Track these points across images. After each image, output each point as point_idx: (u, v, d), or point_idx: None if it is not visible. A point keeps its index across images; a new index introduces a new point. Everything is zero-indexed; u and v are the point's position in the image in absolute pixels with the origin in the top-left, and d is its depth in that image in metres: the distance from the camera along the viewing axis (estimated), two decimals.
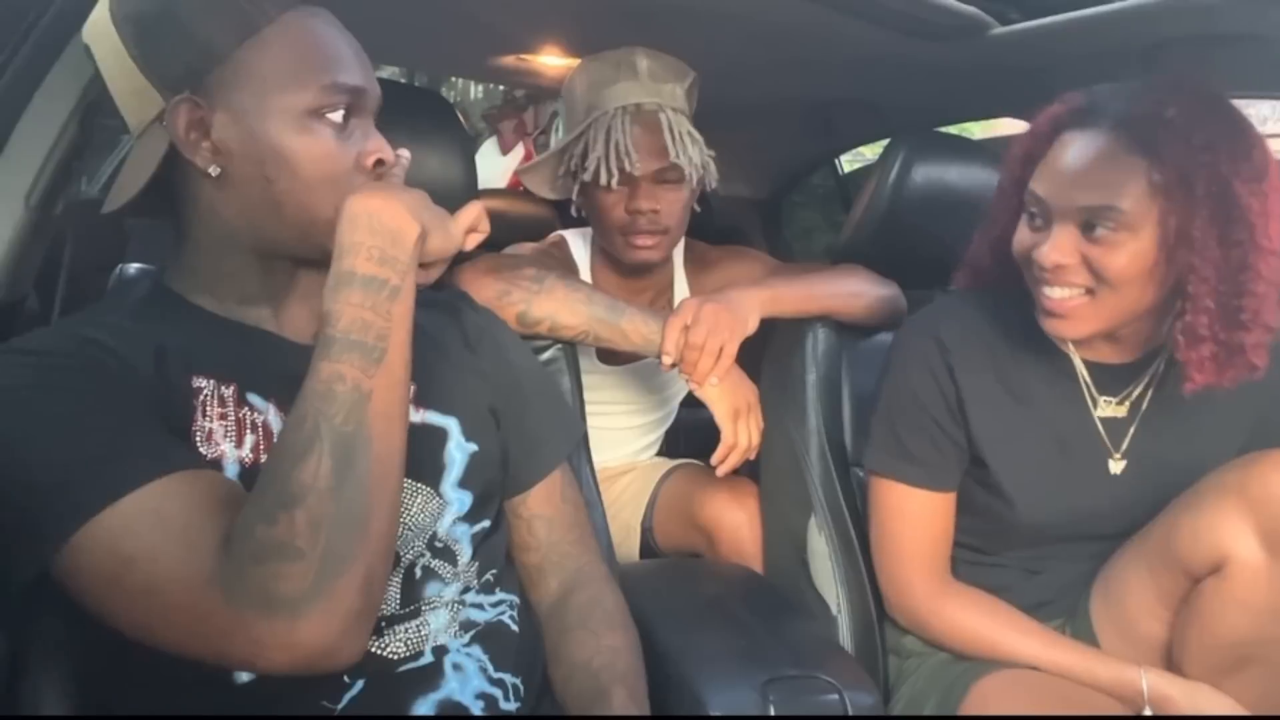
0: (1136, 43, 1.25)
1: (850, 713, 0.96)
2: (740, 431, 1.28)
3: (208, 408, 0.77)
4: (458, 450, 0.88)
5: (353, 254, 0.73)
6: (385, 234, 0.74)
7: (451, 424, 0.88)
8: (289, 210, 0.78)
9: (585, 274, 1.51)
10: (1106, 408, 1.11)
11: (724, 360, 1.24)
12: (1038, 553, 1.18)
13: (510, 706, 0.85)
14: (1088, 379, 1.10)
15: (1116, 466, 1.12)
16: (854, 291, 1.40)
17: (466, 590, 0.88)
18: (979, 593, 1.15)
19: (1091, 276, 0.98)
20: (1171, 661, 1.07)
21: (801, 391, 1.37)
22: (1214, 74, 1.05)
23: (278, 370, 0.80)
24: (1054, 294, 1.01)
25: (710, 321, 1.23)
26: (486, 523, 0.91)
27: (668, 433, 1.74)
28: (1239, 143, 0.94)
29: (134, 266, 1.21)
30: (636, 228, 1.39)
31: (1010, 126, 2.04)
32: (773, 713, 0.94)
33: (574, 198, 1.45)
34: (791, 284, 1.37)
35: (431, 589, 0.85)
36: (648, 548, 1.55)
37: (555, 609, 0.96)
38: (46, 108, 0.81)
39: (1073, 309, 1.00)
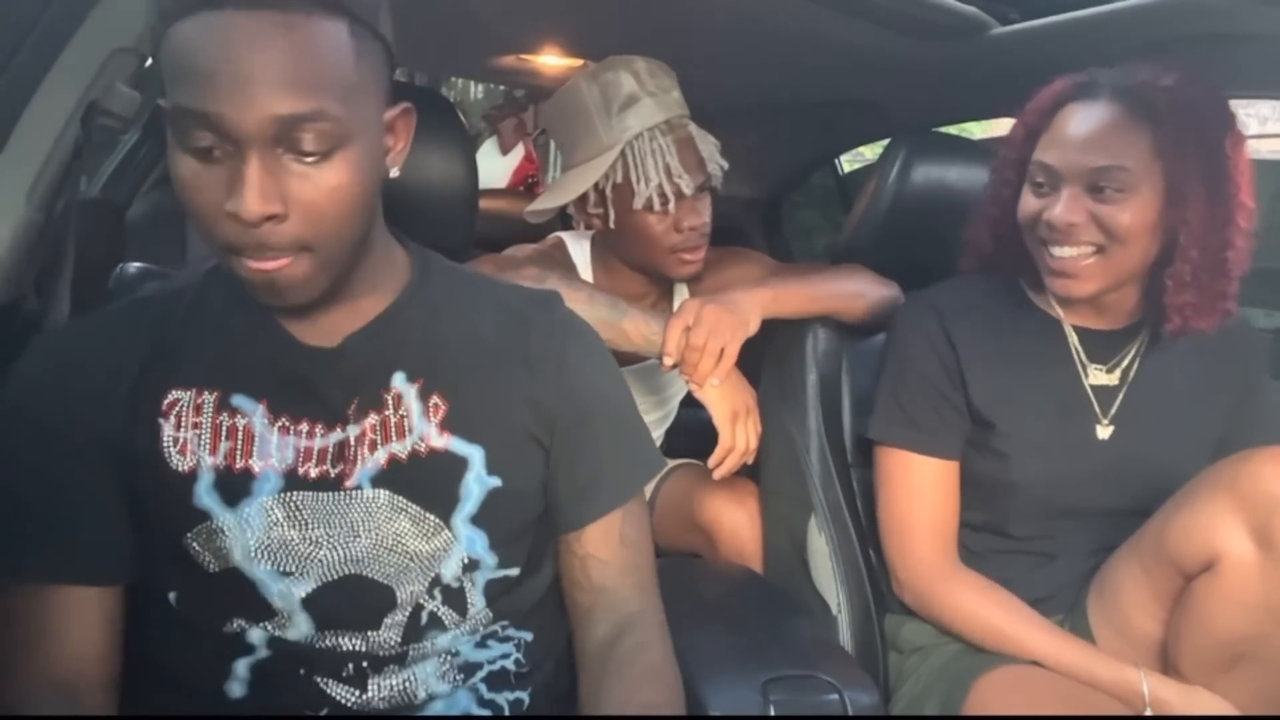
0: (1137, 43, 1.25)
1: (850, 713, 0.96)
2: (738, 434, 1.28)
3: (182, 418, 0.77)
4: (476, 483, 0.81)
5: None
6: None
7: (475, 454, 0.81)
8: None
9: (585, 275, 1.51)
10: (1097, 375, 1.17)
11: (725, 362, 1.24)
12: (1036, 531, 1.19)
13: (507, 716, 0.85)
14: (1078, 346, 1.17)
15: (1104, 432, 1.16)
16: (855, 292, 1.40)
17: (469, 637, 0.83)
18: (986, 580, 1.16)
19: (1101, 233, 1.05)
20: (1167, 659, 1.07)
21: (801, 391, 1.36)
22: (1214, 74, 1.07)
23: (276, 369, 0.78)
24: (1064, 253, 1.07)
25: (711, 323, 1.23)
26: (513, 570, 0.84)
27: (668, 433, 1.74)
28: (1224, 109, 1.05)
29: (134, 266, 1.21)
30: (689, 244, 1.39)
31: (1010, 127, 2.04)
32: (773, 713, 0.94)
33: (584, 217, 1.44)
34: (793, 285, 1.37)
35: (428, 636, 0.81)
36: None
37: (598, 653, 0.88)
38: (46, 108, 0.80)
39: (1083, 268, 1.07)
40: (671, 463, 1.64)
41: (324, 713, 0.78)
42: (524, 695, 0.86)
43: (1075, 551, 1.19)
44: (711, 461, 1.29)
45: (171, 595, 0.79)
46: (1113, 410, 1.17)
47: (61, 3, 0.81)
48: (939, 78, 1.45)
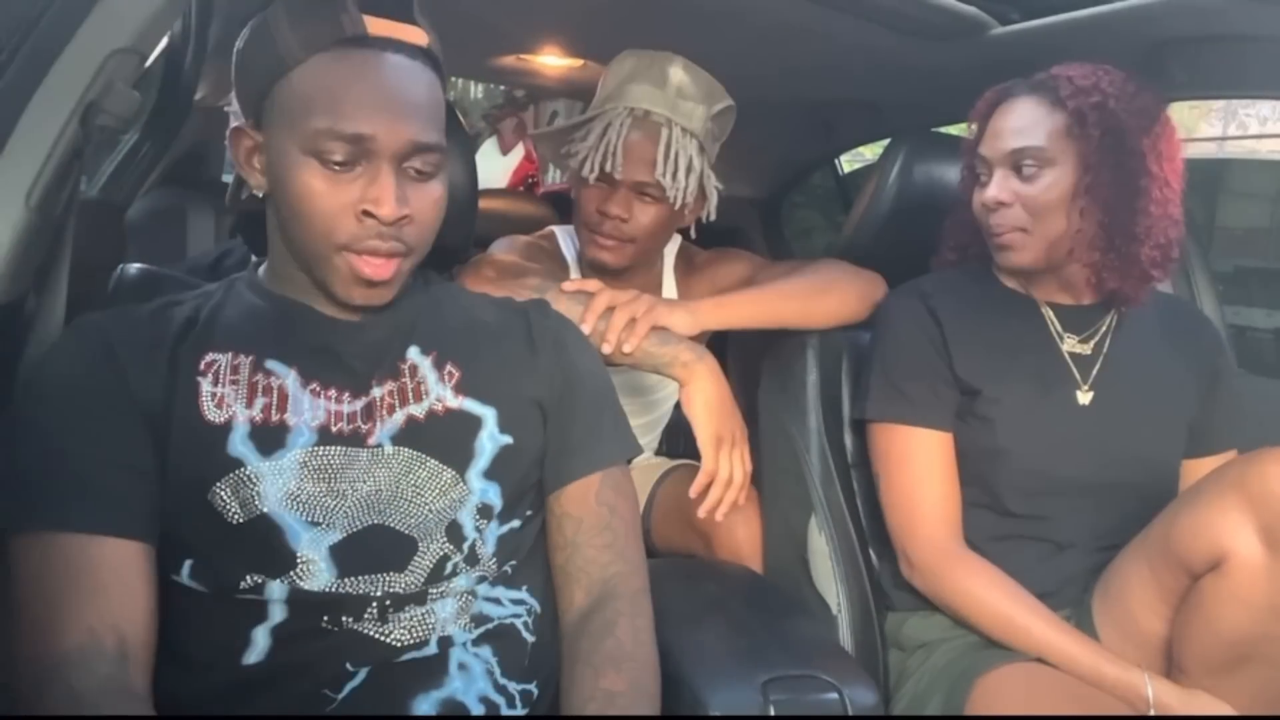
0: (1137, 43, 1.25)
1: (850, 712, 0.96)
2: (722, 460, 1.21)
3: (220, 376, 0.84)
4: (489, 440, 0.89)
5: None
6: None
7: (488, 414, 0.89)
8: (292, 238, 0.85)
9: (574, 269, 1.52)
10: (1072, 343, 1.24)
11: (636, 328, 1.21)
12: (1032, 508, 1.20)
13: (515, 713, 0.85)
14: (1053, 317, 1.25)
15: (1084, 398, 1.22)
16: (819, 289, 1.37)
17: (481, 581, 0.88)
18: (996, 569, 1.16)
19: (1026, 213, 1.17)
20: (1172, 659, 1.07)
21: (802, 391, 1.37)
22: (1215, 74, 1.08)
23: (306, 341, 0.87)
24: (1000, 228, 1.20)
25: (628, 298, 1.23)
26: (516, 523, 0.91)
27: (668, 433, 1.74)
28: (1133, 94, 1.14)
29: (135, 267, 1.21)
30: (601, 229, 1.40)
31: None
32: (773, 713, 0.94)
33: (562, 165, 1.47)
34: (746, 296, 1.35)
35: (446, 579, 0.85)
36: (646, 548, 1.55)
37: (575, 630, 0.91)
38: (46, 108, 0.80)
39: (1013, 239, 1.19)
40: (670, 463, 1.64)
41: (349, 665, 0.80)
42: (532, 687, 0.88)
43: (1078, 543, 1.19)
44: (693, 490, 1.22)
45: (186, 565, 0.80)
46: (1091, 377, 1.22)
47: (61, 3, 0.81)
48: (939, 78, 1.45)
